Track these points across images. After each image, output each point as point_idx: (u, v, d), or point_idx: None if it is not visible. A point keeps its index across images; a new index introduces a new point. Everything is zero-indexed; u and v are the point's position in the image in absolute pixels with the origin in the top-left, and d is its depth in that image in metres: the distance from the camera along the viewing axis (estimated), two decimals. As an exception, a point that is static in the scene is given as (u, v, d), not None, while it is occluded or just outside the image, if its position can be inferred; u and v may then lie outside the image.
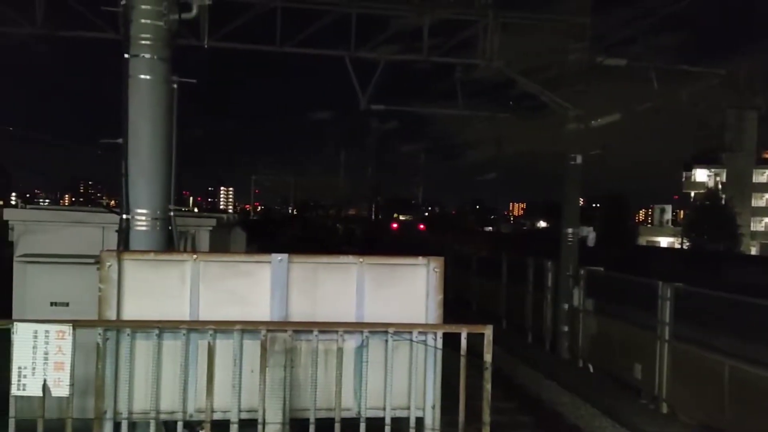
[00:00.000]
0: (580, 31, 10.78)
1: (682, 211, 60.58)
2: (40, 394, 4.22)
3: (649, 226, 62.38)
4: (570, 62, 10.84)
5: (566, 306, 10.63)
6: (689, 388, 7.39)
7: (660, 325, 7.94)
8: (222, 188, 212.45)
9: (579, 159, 10.95)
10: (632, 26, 11.25)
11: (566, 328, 10.61)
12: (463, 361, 4.48)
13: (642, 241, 47.64)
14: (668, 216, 59.45)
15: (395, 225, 54.93)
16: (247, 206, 76.78)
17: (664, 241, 48.88)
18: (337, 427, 4.45)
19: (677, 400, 7.62)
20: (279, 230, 38.37)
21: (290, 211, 76.87)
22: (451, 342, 4.67)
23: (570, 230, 10.95)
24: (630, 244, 38.88)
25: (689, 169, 55.63)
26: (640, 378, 8.30)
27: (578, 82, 10.81)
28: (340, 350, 4.47)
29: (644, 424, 7.33)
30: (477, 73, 12.10)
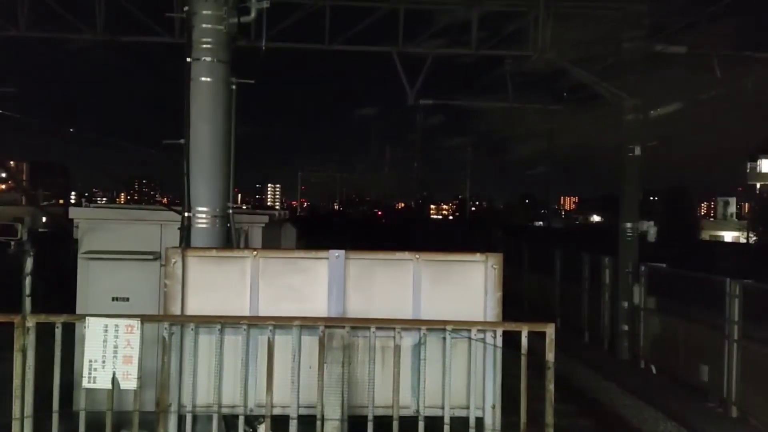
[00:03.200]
0: (635, 19, 10.37)
1: (747, 204, 57.65)
2: (110, 386, 4.35)
3: (712, 219, 59.58)
4: (626, 51, 10.44)
5: (626, 304, 10.27)
6: (762, 390, 7.00)
7: (728, 324, 7.58)
8: (269, 185, 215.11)
9: (637, 150, 10.54)
10: (691, 12, 10.75)
11: (626, 328, 10.25)
12: (524, 360, 4.37)
13: (705, 235, 45.52)
14: (732, 209, 56.57)
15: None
16: (294, 203, 77.66)
17: (728, 236, 46.58)
18: (395, 425, 4.42)
19: (748, 403, 7.24)
20: (324, 227, 38.84)
21: (336, 207, 77.35)
22: (504, 340, 4.57)
23: (629, 225, 10.57)
24: (693, 239, 37.20)
25: (754, 159, 52.74)
26: (707, 380, 7.93)
27: (635, 71, 10.40)
28: (397, 347, 4.44)
29: (713, 429, 7.00)
30: (527, 65, 11.83)
